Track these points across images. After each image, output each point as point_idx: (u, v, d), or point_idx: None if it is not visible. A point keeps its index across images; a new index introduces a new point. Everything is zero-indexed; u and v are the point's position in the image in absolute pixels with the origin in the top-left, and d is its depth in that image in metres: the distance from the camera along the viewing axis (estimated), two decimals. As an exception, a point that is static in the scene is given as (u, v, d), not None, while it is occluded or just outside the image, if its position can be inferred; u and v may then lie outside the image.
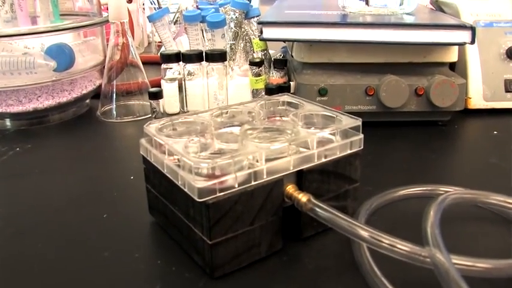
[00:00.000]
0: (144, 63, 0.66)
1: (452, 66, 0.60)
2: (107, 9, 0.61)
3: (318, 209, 0.31)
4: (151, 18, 0.67)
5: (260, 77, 0.60)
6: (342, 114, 0.37)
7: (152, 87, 0.68)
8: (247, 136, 0.34)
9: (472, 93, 0.61)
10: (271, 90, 0.56)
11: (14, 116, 0.59)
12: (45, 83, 0.57)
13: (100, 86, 0.65)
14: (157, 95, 0.55)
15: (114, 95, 0.63)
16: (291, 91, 0.58)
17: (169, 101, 0.59)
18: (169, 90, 0.58)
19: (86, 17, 0.68)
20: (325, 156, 0.34)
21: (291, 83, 0.58)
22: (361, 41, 0.54)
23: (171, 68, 0.59)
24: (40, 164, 0.50)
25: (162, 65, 0.57)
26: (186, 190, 0.30)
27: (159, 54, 0.56)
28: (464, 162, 0.50)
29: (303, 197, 0.32)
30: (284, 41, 0.61)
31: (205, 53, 0.54)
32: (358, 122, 0.35)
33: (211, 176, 0.29)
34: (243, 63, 0.67)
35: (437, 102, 0.55)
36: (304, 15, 0.60)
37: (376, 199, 0.37)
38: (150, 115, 0.61)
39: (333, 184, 0.35)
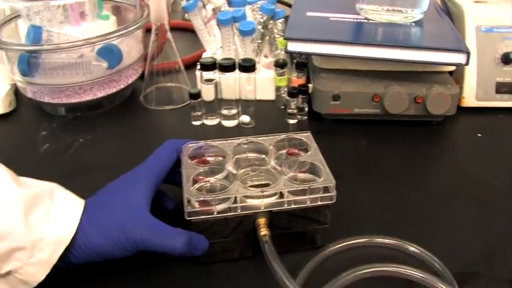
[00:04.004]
0: (172, 28, 0.74)
1: (451, 67, 0.69)
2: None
3: (266, 247, 0.42)
4: (186, 9, 0.74)
5: (283, 77, 0.69)
6: (327, 170, 0.46)
7: (185, 66, 0.78)
8: (238, 177, 0.46)
9: (466, 94, 0.70)
10: (292, 94, 0.66)
11: (69, 105, 0.70)
12: (99, 79, 0.67)
13: (143, 73, 0.74)
14: (196, 96, 0.66)
15: (154, 77, 0.73)
16: (309, 91, 0.67)
17: (206, 92, 0.68)
18: (206, 87, 0.67)
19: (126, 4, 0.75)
20: (295, 203, 0.45)
21: (310, 85, 0.67)
22: (371, 57, 0.63)
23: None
24: (103, 158, 0.62)
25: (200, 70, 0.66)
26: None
27: (199, 62, 0.65)
28: (444, 166, 0.61)
29: (261, 232, 0.43)
30: (306, 54, 0.68)
31: (238, 64, 0.63)
32: (332, 183, 0.45)
33: (203, 203, 0.44)
34: (268, 54, 0.76)
35: (433, 110, 0.64)
36: (324, 26, 0.67)
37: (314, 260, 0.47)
38: (187, 102, 0.71)
39: (300, 223, 0.46)
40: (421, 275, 0.43)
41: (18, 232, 0.38)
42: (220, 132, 0.68)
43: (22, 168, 0.59)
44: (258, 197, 0.45)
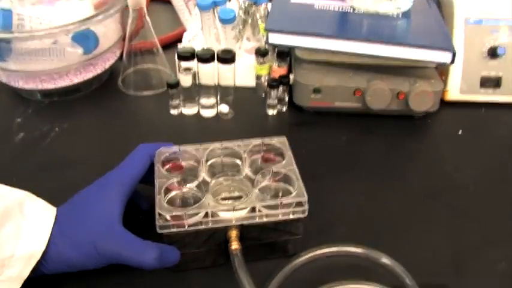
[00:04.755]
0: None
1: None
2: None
3: (236, 261, 0.42)
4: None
5: (264, 65, 0.67)
6: (301, 184, 0.45)
7: (166, 45, 0.76)
8: (210, 189, 0.46)
9: (450, 87, 0.69)
10: (272, 86, 0.64)
11: (44, 91, 0.68)
12: (75, 65, 0.65)
13: (121, 54, 0.72)
14: (174, 86, 0.64)
15: (132, 58, 0.71)
16: (290, 82, 0.66)
17: (185, 80, 0.66)
18: (184, 76, 0.65)
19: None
20: (267, 217, 0.44)
21: (291, 76, 0.65)
22: (355, 52, 0.61)
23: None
24: (79, 150, 0.61)
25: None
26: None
27: (176, 52, 0.62)
28: (422, 166, 0.61)
29: (232, 245, 0.43)
30: (288, 47, 0.66)
31: (217, 55, 0.61)
32: (304, 198, 0.44)
33: (175, 216, 0.43)
34: (250, 37, 0.73)
35: (415, 107, 0.63)
36: (307, 17, 0.65)
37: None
38: (165, 88, 0.69)
39: (272, 235, 0.46)
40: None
41: None
42: (199, 122, 0.67)
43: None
44: (230, 210, 0.44)
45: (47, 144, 0.61)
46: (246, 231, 0.45)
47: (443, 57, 0.60)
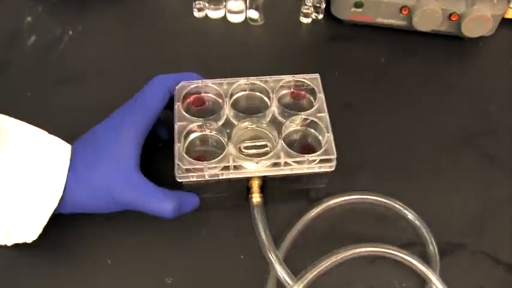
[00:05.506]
0: None
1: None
2: None
3: (255, 212, 0.42)
4: None
5: (302, -32, 0.59)
6: (331, 136, 0.42)
7: None
8: (233, 137, 0.43)
9: (513, 3, 0.60)
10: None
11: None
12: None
13: None
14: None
15: None
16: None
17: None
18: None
19: None
20: (292, 169, 0.42)
21: (331, -17, 0.57)
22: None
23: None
24: (94, 59, 0.57)
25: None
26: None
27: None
28: (463, 101, 0.55)
29: (253, 197, 0.43)
30: None
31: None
32: (333, 156, 0.42)
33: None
34: None
35: (468, 33, 0.56)
36: None
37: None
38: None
39: (295, 185, 0.45)
40: (407, 258, 0.43)
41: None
42: (225, 28, 0.61)
43: (11, 68, 0.56)
44: (253, 162, 0.42)
45: (60, 51, 0.57)
46: (268, 180, 0.43)
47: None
